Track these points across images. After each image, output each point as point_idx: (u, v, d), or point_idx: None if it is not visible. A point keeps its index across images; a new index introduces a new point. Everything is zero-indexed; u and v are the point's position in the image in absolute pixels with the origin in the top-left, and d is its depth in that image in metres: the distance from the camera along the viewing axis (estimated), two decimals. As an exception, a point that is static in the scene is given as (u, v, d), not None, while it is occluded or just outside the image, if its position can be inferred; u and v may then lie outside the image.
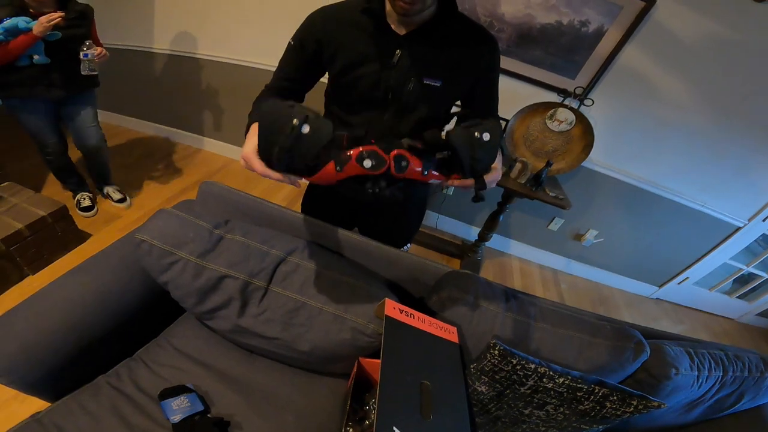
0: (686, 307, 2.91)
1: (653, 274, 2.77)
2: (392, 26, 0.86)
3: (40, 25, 1.54)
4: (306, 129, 0.54)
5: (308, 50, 0.91)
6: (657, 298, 2.89)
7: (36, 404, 0.96)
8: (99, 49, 1.79)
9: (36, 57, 1.66)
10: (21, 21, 1.53)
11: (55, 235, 1.83)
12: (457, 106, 1.06)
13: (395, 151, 0.64)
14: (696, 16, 1.73)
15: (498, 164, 0.73)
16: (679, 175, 2.21)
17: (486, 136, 0.63)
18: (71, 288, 1.00)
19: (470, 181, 0.69)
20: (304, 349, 0.98)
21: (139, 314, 1.08)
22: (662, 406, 0.90)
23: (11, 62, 1.62)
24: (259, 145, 0.57)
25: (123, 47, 2.75)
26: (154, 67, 2.83)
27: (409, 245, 1.53)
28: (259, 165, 0.59)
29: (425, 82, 0.89)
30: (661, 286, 2.81)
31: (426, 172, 0.67)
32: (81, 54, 1.72)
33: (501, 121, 2.09)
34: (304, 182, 0.80)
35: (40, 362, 0.89)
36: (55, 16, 1.56)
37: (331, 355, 0.99)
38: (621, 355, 0.98)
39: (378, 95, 0.91)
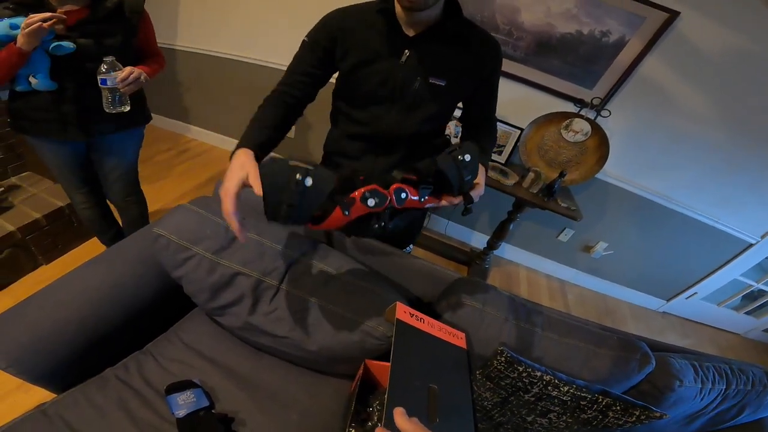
0: (693, 321, 2.87)
1: (662, 287, 2.74)
2: (402, 28, 0.90)
3: (22, 33, 0.99)
4: (309, 182, 0.57)
5: (323, 48, 0.95)
6: (664, 312, 2.86)
7: (40, 395, 0.96)
8: (126, 70, 1.15)
9: (34, 80, 1.12)
10: (2, 26, 1.01)
11: (71, 226, 1.86)
12: (459, 108, 1.11)
13: (394, 186, 0.69)
14: (720, 28, 1.71)
15: (481, 179, 0.81)
16: (693, 190, 2.19)
17: (467, 158, 0.70)
18: (88, 279, 1.02)
19: (458, 199, 0.77)
20: (312, 348, 0.99)
21: (152, 308, 1.10)
22: (664, 416, 0.91)
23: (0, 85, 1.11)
24: (265, 205, 0.59)
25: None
26: (174, 63, 2.88)
27: (411, 246, 1.54)
28: (231, 206, 0.66)
29: (431, 81, 0.94)
30: (669, 300, 2.78)
31: (422, 199, 0.73)
32: (99, 80, 1.13)
33: (515, 130, 2.10)
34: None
35: (51, 353, 0.90)
36: (40, 18, 0.98)
37: (339, 356, 1.00)
38: (626, 366, 0.99)
39: (385, 92, 0.96)
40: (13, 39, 1.01)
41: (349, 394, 1.05)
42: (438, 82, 0.95)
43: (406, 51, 0.91)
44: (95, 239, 1.97)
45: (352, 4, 0.95)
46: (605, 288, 2.82)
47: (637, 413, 0.91)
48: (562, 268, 2.81)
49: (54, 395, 0.94)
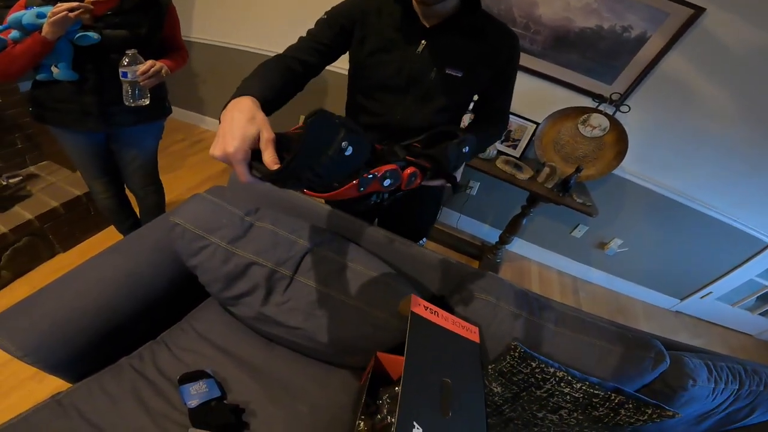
0: (706, 321, 2.83)
1: (676, 286, 2.70)
2: (420, 18, 0.90)
3: (47, 21, 0.99)
4: (350, 151, 0.48)
5: (341, 26, 0.93)
6: (677, 311, 2.81)
7: (54, 384, 0.96)
8: (147, 64, 1.15)
9: (56, 70, 1.13)
10: (29, 14, 1.00)
11: (89, 214, 1.89)
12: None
13: (409, 170, 0.66)
14: (746, 25, 1.66)
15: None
16: (712, 188, 2.14)
17: (466, 149, 0.73)
18: (105, 268, 1.03)
19: (442, 181, 0.76)
20: (324, 340, 0.99)
21: (167, 297, 1.11)
22: (677, 415, 0.90)
23: (20, 74, 1.09)
24: (290, 166, 0.44)
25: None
26: (190, 54, 2.87)
27: (425, 240, 1.53)
28: (246, 176, 0.49)
29: (447, 72, 0.93)
30: (683, 299, 2.73)
31: (423, 182, 0.72)
32: (120, 72, 1.13)
33: (530, 124, 2.07)
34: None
35: (67, 342, 0.91)
36: (66, 7, 0.98)
37: (351, 348, 1.01)
38: (640, 364, 0.98)
39: (399, 82, 0.96)
40: (39, 28, 1.01)
41: (359, 386, 1.05)
42: (455, 74, 0.94)
43: (423, 41, 0.91)
44: (112, 228, 1.99)
45: None
46: (618, 286, 2.79)
47: (649, 412, 0.90)
48: (575, 264, 2.77)
49: (68, 384, 0.95)
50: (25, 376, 1.35)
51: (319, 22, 0.97)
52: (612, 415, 0.92)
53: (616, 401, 0.91)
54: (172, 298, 1.13)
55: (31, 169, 1.89)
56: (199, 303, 1.21)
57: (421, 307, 0.88)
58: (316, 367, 1.10)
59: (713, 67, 1.79)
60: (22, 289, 1.64)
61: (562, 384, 0.91)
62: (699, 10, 1.65)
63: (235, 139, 0.48)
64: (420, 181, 0.71)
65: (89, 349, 0.95)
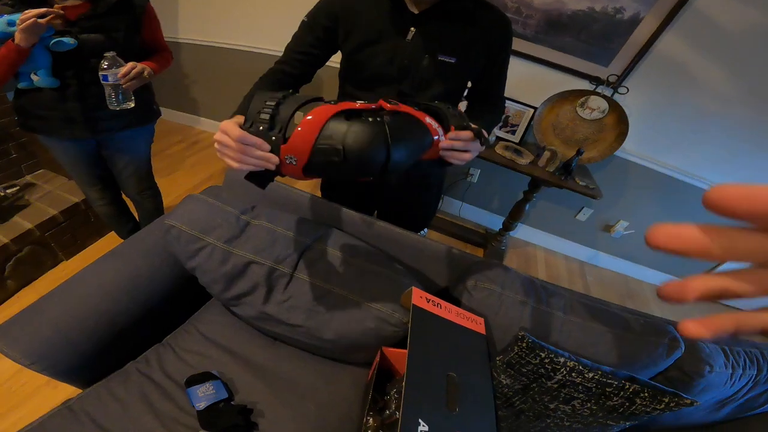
0: (719, 303, 2.80)
1: (686, 268, 2.66)
2: (407, 5, 0.87)
3: (17, 29, 0.97)
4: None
5: (322, 27, 0.92)
6: (688, 293, 2.79)
7: (67, 390, 0.98)
8: (128, 66, 1.12)
9: (36, 77, 1.11)
10: (0, 22, 0.99)
11: (89, 220, 1.89)
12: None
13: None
14: (739, 4, 1.63)
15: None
16: (717, 166, 2.11)
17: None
18: (103, 274, 1.02)
19: (468, 133, 0.69)
20: (327, 337, 0.98)
21: (169, 299, 1.11)
22: (695, 403, 0.87)
23: (1, 83, 1.08)
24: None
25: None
26: (178, 56, 2.87)
27: (426, 230, 1.51)
28: (237, 130, 0.56)
29: (440, 58, 0.90)
30: (693, 280, 2.71)
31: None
32: (100, 76, 1.10)
33: (528, 108, 2.04)
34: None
35: (72, 348, 0.91)
36: (34, 13, 0.96)
37: (355, 344, 0.99)
38: (654, 351, 0.95)
39: (391, 72, 0.93)
40: (12, 36, 0.99)
41: (366, 382, 1.04)
42: (448, 60, 0.91)
43: (412, 29, 0.88)
44: (114, 233, 1.98)
45: None
46: (626, 268, 2.76)
47: (666, 400, 0.87)
48: (581, 248, 2.75)
49: (79, 390, 0.96)
50: (39, 383, 1.37)
51: (301, 26, 0.95)
52: (627, 404, 0.90)
53: (631, 390, 0.88)
54: (174, 300, 1.13)
55: (28, 178, 1.89)
56: (203, 304, 1.20)
57: (423, 300, 0.86)
58: (322, 364, 1.08)
59: (710, 46, 1.76)
60: (28, 297, 1.64)
61: (573, 374, 0.88)
62: (691, -11, 1.62)
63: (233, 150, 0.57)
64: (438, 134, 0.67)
65: (95, 355, 0.95)
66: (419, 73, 0.92)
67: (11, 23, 0.98)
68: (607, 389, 0.88)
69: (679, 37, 1.77)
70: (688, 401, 0.87)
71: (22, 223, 1.63)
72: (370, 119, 0.58)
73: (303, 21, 0.94)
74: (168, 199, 2.34)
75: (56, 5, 1.04)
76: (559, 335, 0.96)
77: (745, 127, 1.92)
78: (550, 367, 0.88)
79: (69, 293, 0.97)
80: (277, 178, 0.64)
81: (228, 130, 0.57)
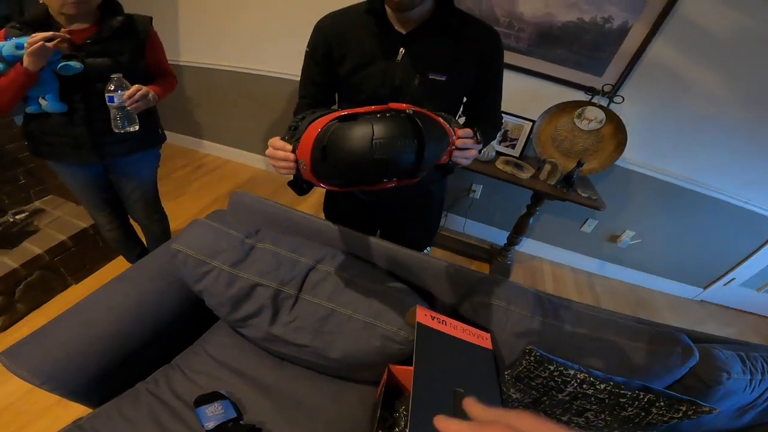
0: (733, 309, 2.75)
1: (696, 275, 2.63)
2: (395, 26, 0.89)
3: (26, 53, 0.98)
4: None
5: (322, 55, 0.95)
6: (702, 300, 2.74)
7: (78, 409, 0.99)
8: (133, 88, 1.13)
9: (44, 102, 1.12)
10: (8, 45, 0.99)
11: (97, 245, 1.91)
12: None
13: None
14: (722, 8, 1.66)
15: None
16: (719, 171, 2.10)
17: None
18: (112, 298, 1.04)
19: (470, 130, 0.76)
20: (334, 356, 0.98)
21: (176, 322, 1.12)
22: (714, 411, 0.86)
23: (9, 107, 1.08)
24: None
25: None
26: (180, 79, 2.91)
27: (429, 249, 1.51)
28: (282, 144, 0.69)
29: (431, 77, 0.91)
30: (705, 287, 2.66)
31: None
32: (106, 97, 1.11)
33: (526, 122, 2.05)
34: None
35: (82, 370, 0.92)
36: (42, 37, 0.97)
37: (362, 363, 0.99)
38: (667, 360, 0.94)
39: (384, 93, 0.94)
40: (20, 59, 1.00)
41: (374, 400, 1.03)
42: (439, 78, 0.92)
43: (401, 49, 0.89)
44: (122, 257, 2.00)
45: (344, 6, 0.94)
46: (636, 278, 2.73)
47: (684, 408, 0.86)
48: (588, 260, 2.72)
49: (90, 410, 0.96)
50: (50, 402, 1.37)
51: (305, 57, 0.99)
52: (643, 414, 0.88)
53: (646, 400, 0.87)
54: (181, 322, 1.14)
55: (36, 204, 1.91)
56: (210, 325, 1.21)
57: (428, 317, 0.87)
58: (330, 383, 1.08)
59: (700, 51, 1.78)
60: (38, 320, 1.65)
61: (584, 386, 0.88)
62: (674, -4, 1.65)
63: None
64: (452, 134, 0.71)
65: (105, 375, 0.96)
66: (411, 93, 0.93)
67: (20, 46, 0.99)
68: (620, 400, 0.87)
69: (669, 43, 1.79)
70: (707, 409, 0.86)
71: (32, 248, 1.66)
72: (393, 114, 0.60)
73: (306, 51, 0.98)
74: (175, 223, 2.37)
75: (63, 29, 1.06)
76: (568, 348, 0.95)
77: (742, 129, 1.92)
78: (560, 379, 0.87)
79: (79, 316, 0.99)
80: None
81: (270, 141, 0.71)
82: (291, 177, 0.72)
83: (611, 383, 0.87)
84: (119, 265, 1.99)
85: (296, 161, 0.67)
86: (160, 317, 1.07)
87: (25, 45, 0.97)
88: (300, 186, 0.72)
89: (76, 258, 1.82)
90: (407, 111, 0.61)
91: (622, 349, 0.96)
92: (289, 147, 0.67)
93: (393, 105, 0.62)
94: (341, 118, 0.60)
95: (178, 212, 2.50)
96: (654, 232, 2.46)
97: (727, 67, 1.79)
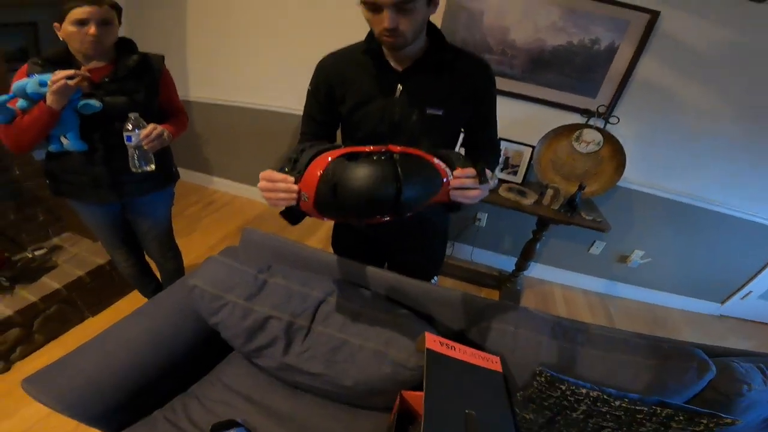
0: (753, 321, 2.68)
1: (712, 290, 2.59)
2: (392, 64, 0.93)
3: (49, 91, 0.98)
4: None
5: (324, 94, 1.00)
6: (721, 315, 2.68)
7: None
8: (149, 127, 1.13)
9: (65, 141, 1.12)
10: (32, 83, 0.99)
11: (113, 281, 1.96)
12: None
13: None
14: (702, 23, 1.71)
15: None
16: (722, 186, 2.11)
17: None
18: (130, 331, 1.08)
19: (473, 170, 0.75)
20: (347, 384, 1.00)
21: (192, 353, 1.15)
22: (736, 422, 0.85)
23: (32, 145, 1.09)
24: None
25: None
26: (189, 115, 2.94)
27: (437, 278, 1.51)
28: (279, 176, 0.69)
29: (428, 112, 0.95)
30: (723, 302, 2.61)
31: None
32: (125, 137, 1.11)
33: (526, 148, 2.09)
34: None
35: (101, 398, 0.95)
36: (64, 75, 0.97)
37: (374, 390, 1.00)
38: (683, 376, 0.95)
39: (384, 130, 0.97)
40: (43, 96, 1.00)
41: (387, 426, 1.03)
42: (436, 112, 0.95)
43: (399, 86, 0.93)
44: (136, 292, 2.02)
45: (343, 46, 1.00)
46: (650, 297, 2.68)
47: (705, 421, 0.85)
48: (599, 281, 2.70)
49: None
50: (69, 428, 1.37)
51: (307, 96, 1.03)
52: (662, 429, 0.87)
53: (664, 414, 0.87)
54: (196, 353, 1.17)
55: (55, 240, 1.97)
56: (226, 356, 1.23)
57: (437, 343, 0.88)
58: (343, 410, 1.09)
59: (687, 66, 1.82)
60: (55, 350, 1.69)
61: (598, 403, 0.87)
62: (654, 14, 1.72)
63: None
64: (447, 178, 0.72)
65: (123, 403, 0.98)
66: (410, 128, 0.96)
67: (43, 83, 0.99)
68: (637, 416, 0.87)
69: (656, 61, 1.84)
70: (729, 420, 0.85)
71: (51, 283, 1.71)
72: (382, 158, 0.65)
73: (308, 90, 1.03)
74: (187, 259, 2.40)
75: (83, 67, 1.08)
76: (581, 368, 0.96)
77: (739, 141, 1.94)
78: (572, 398, 0.87)
79: (99, 347, 1.03)
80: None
81: (262, 174, 0.69)
82: (282, 207, 0.72)
83: (626, 400, 0.87)
84: (134, 299, 2.03)
85: (298, 192, 0.68)
86: (175, 349, 1.11)
87: (49, 83, 0.98)
88: (295, 216, 0.76)
89: (92, 292, 1.86)
90: (395, 155, 0.66)
91: (636, 367, 0.96)
92: (291, 179, 0.68)
93: (391, 147, 0.67)
94: (347, 157, 0.65)
95: (190, 248, 2.54)
96: (663, 250, 2.45)
97: (716, 80, 1.83)
